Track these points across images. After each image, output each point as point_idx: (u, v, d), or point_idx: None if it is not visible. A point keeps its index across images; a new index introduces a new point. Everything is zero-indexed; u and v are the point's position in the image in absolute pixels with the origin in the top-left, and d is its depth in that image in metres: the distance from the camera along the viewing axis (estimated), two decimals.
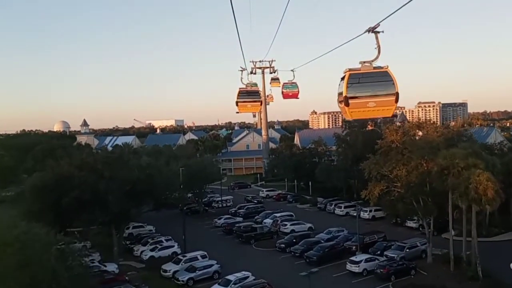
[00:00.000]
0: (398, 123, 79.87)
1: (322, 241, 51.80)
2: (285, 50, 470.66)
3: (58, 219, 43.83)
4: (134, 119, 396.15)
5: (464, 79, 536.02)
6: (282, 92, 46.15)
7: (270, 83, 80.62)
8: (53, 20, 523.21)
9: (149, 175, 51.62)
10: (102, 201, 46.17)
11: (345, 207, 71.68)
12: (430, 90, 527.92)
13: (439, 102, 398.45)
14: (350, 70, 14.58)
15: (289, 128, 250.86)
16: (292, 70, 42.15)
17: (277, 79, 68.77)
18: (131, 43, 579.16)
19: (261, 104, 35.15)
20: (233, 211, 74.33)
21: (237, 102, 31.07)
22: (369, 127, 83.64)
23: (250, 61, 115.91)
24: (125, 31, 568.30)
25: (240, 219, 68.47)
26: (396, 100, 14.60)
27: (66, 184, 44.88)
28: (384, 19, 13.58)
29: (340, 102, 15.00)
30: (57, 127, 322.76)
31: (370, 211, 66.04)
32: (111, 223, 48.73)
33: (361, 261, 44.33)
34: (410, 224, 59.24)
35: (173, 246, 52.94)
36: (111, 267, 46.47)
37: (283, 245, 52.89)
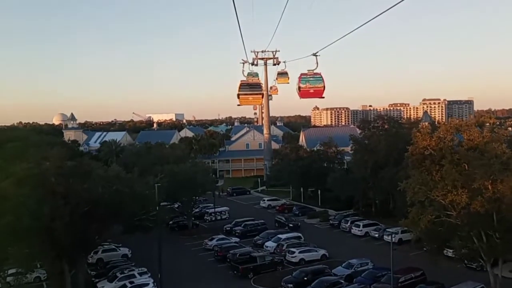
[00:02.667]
0: (426, 124, 67.37)
1: (343, 283, 39.32)
2: (291, 40, 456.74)
3: None
4: (133, 113, 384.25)
5: (468, 76, 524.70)
6: (299, 87, 29.00)
7: (276, 78, 67.18)
8: (57, 12, 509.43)
9: (117, 192, 39.46)
10: (46, 229, 34.06)
11: (364, 226, 59.19)
12: (435, 87, 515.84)
13: (445, 99, 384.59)
14: None
15: (291, 125, 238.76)
16: (314, 55, 27.75)
17: (285, 73, 55.58)
18: (132, 35, 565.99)
19: (262, 97, 33.65)
20: (228, 228, 61.89)
21: (238, 95, 30.03)
22: (385, 126, 70.45)
23: (251, 51, 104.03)
24: (125, 24, 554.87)
25: (237, 239, 55.94)
26: None
27: None
28: None
29: None
30: (55, 120, 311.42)
31: (397, 233, 53.47)
32: (60, 258, 36.28)
33: None
34: (449, 253, 46.63)
35: (147, 285, 40.49)
36: None
37: (290, 285, 40.43)
